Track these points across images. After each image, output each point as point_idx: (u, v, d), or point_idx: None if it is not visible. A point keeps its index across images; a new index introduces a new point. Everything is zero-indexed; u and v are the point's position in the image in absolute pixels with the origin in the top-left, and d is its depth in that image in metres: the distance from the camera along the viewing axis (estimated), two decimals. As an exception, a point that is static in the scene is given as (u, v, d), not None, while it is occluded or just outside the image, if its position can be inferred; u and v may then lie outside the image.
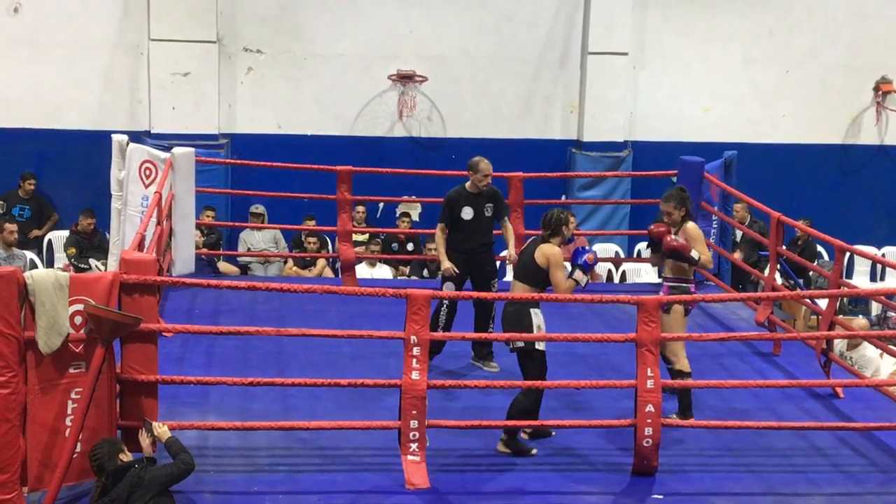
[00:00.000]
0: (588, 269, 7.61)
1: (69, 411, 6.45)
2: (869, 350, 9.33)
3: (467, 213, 8.83)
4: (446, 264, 8.83)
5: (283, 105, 14.27)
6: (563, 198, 14.19)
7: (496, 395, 8.17)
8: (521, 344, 7.45)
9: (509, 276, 9.03)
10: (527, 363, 7.54)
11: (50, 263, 13.39)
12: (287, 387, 7.69)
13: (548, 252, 7.51)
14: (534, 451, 7.45)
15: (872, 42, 15.11)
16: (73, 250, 12.90)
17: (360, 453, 7.29)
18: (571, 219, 7.79)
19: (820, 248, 14.08)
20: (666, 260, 8.12)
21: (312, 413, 7.59)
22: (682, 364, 7.94)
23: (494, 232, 9.17)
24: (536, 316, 7.52)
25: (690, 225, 8.12)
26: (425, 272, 13.11)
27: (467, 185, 8.95)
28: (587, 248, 7.78)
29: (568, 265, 7.71)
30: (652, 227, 8.25)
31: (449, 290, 8.76)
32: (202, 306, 10.15)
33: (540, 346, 7.48)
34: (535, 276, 7.56)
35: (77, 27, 13.72)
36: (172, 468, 6.34)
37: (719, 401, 8.38)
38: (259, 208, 13.49)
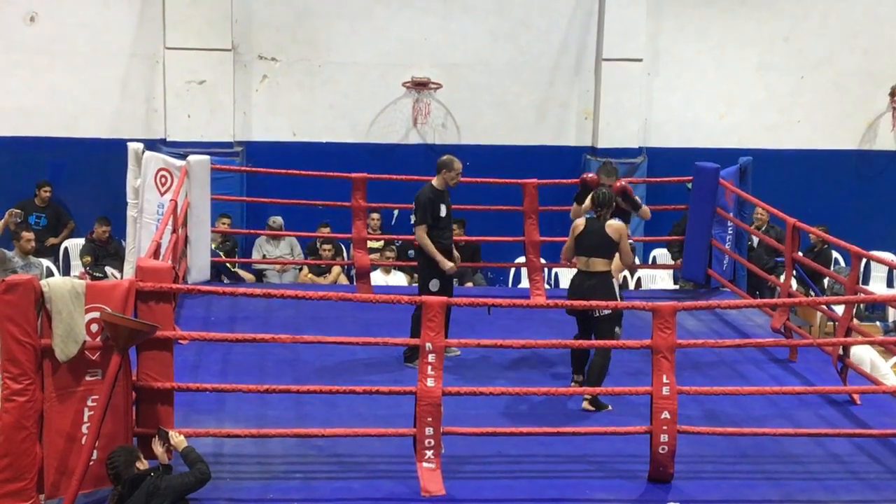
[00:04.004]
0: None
1: (85, 419, 6.48)
2: (860, 349, 9.27)
3: (442, 210, 9.09)
4: (448, 264, 8.99)
5: (297, 112, 14.30)
6: (578, 204, 14.18)
7: (510, 402, 8.18)
8: (607, 312, 8.18)
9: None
10: (605, 327, 8.26)
11: (66, 271, 13.45)
12: (302, 394, 7.71)
13: (617, 227, 8.46)
14: (609, 407, 8.27)
15: (888, 47, 15.05)
16: (88, 258, 12.94)
17: (376, 461, 7.30)
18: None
19: (836, 255, 14.03)
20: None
21: (328, 420, 7.60)
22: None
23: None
24: (616, 284, 8.53)
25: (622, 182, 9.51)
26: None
27: (435, 183, 9.12)
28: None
29: None
30: (586, 175, 9.59)
31: (435, 287, 8.93)
32: (218, 314, 10.17)
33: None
34: (609, 249, 8.43)
35: (93, 36, 13.78)
36: (189, 477, 6.36)
37: (736, 408, 8.36)
38: (276, 221, 13.49)
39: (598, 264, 8.40)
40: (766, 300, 11.44)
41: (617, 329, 8.34)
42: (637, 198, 9.58)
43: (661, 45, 14.77)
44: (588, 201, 9.04)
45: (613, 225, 8.46)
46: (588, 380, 8.23)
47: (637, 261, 13.35)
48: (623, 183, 9.41)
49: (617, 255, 8.54)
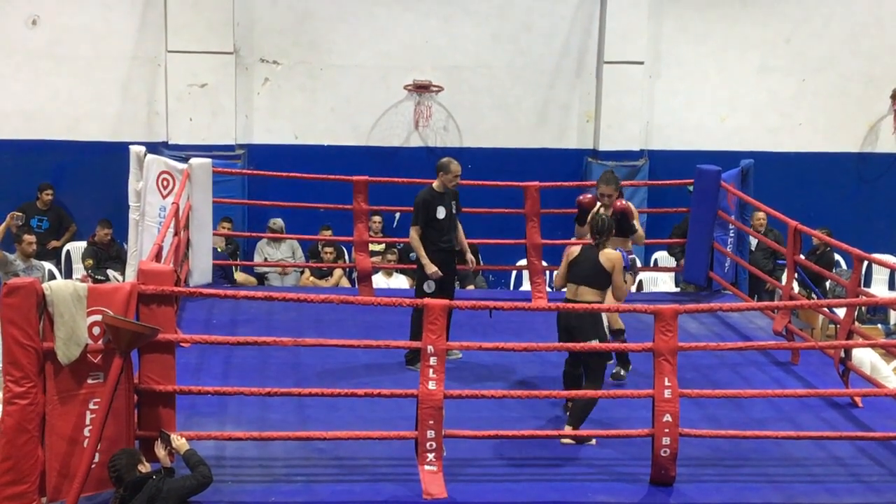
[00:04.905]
0: (628, 268, 8.34)
1: (87, 422, 6.48)
2: (860, 352, 9.27)
3: (441, 212, 9.13)
4: (432, 268, 9.05)
5: (299, 115, 14.31)
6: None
7: (512, 405, 8.19)
8: (595, 342, 7.74)
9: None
10: (593, 357, 7.82)
11: (68, 274, 13.45)
12: (304, 397, 7.72)
13: (612, 257, 7.94)
14: (593, 441, 7.72)
15: (890, 50, 15.05)
16: (90, 261, 12.95)
17: (378, 463, 7.29)
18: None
19: (838, 257, 14.03)
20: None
21: (329, 423, 7.60)
22: (619, 323, 8.77)
23: None
24: (604, 316, 8.02)
25: (626, 201, 9.04)
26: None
27: (435, 185, 9.23)
28: (623, 250, 8.37)
29: None
30: (581, 197, 9.03)
31: (430, 289, 9.02)
32: (219, 317, 10.17)
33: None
34: (601, 280, 7.94)
35: (95, 39, 13.79)
36: (191, 480, 6.37)
37: (737, 410, 8.35)
38: (277, 223, 13.50)
39: (587, 294, 7.90)
40: (768, 303, 11.44)
41: (605, 362, 7.94)
42: (635, 223, 8.98)
43: (663, 47, 14.78)
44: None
45: (608, 254, 7.92)
46: (572, 413, 7.75)
47: (639, 263, 13.40)
48: (623, 203, 8.93)
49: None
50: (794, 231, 9.96)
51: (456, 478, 7.09)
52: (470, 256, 9.57)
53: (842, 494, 7.25)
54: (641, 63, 14.56)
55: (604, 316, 8.07)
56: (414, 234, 9.13)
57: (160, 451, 6.58)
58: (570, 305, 7.91)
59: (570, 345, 7.79)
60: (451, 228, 9.28)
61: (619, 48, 14.45)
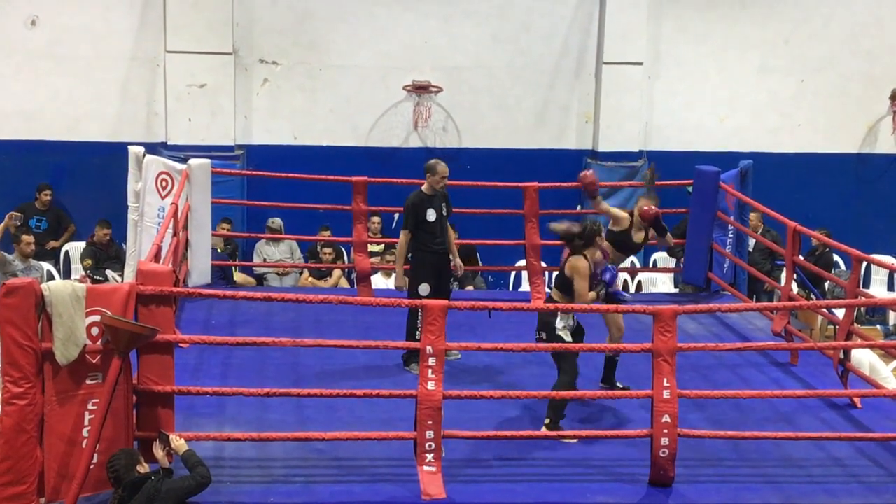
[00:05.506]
0: (610, 285, 8.19)
1: (86, 422, 6.48)
2: (858, 352, 9.27)
3: (431, 214, 9.09)
4: (400, 281, 9.17)
5: (298, 116, 14.31)
6: (579, 208, 14.18)
7: (511, 405, 8.19)
8: (543, 336, 7.84)
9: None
10: (562, 353, 7.80)
11: (67, 275, 13.44)
12: (303, 397, 7.72)
13: (572, 265, 7.89)
14: (575, 440, 7.70)
15: (890, 50, 15.05)
16: (89, 262, 12.94)
17: (377, 464, 7.30)
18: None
19: (837, 258, 14.03)
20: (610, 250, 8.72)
21: (328, 423, 7.60)
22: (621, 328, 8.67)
23: None
24: (561, 314, 7.87)
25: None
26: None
27: (424, 188, 9.21)
28: (613, 267, 8.31)
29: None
30: (582, 175, 9.15)
31: (424, 291, 8.97)
32: (218, 317, 10.17)
33: (566, 336, 7.83)
34: (565, 285, 7.95)
35: (94, 40, 13.79)
36: (189, 481, 6.36)
37: (736, 411, 8.35)
38: (276, 222, 13.51)
39: (554, 294, 8.04)
40: (767, 304, 11.44)
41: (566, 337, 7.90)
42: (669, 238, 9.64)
43: (662, 48, 14.78)
44: (603, 204, 9.21)
45: (571, 263, 7.93)
46: (549, 404, 7.72)
47: (637, 263, 13.37)
48: (653, 211, 9.12)
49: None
50: (793, 232, 9.96)
51: (455, 478, 7.10)
52: (458, 262, 9.49)
53: (840, 495, 7.25)
54: (641, 63, 14.56)
55: (557, 321, 7.92)
56: (401, 239, 9.13)
57: (159, 452, 6.58)
58: (550, 305, 7.96)
59: (569, 345, 7.79)
60: (444, 230, 9.25)
61: (619, 49, 14.45)
